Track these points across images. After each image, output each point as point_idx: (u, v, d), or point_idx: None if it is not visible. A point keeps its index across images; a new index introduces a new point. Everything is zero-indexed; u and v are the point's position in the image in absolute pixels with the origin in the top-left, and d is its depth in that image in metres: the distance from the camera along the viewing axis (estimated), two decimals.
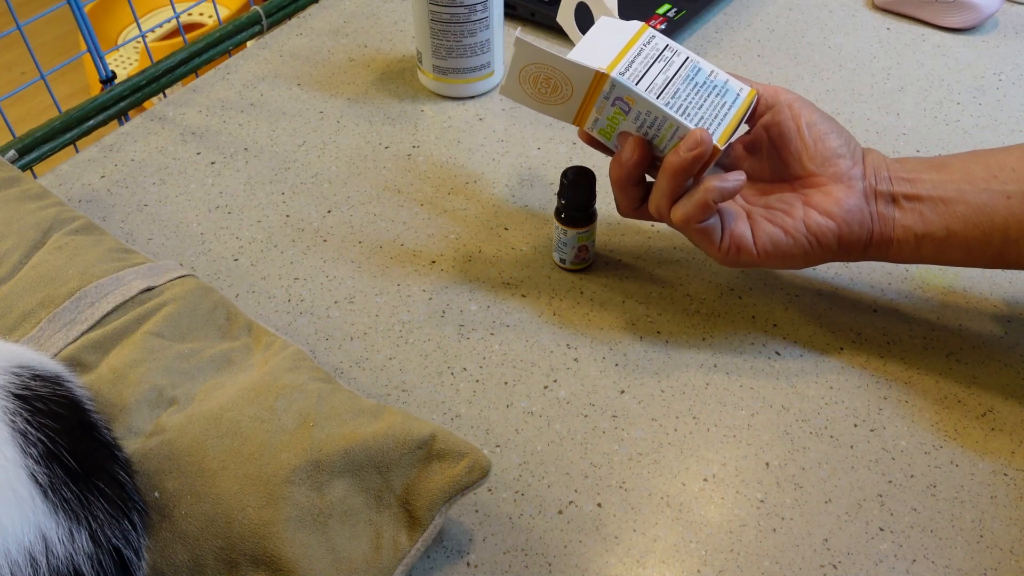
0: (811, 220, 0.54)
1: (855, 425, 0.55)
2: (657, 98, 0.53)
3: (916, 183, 0.54)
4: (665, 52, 0.56)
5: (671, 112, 0.53)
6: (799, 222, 0.55)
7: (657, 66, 0.55)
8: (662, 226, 0.67)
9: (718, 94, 0.55)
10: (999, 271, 0.63)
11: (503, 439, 0.54)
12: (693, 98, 0.54)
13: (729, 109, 0.55)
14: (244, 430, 0.46)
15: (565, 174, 0.59)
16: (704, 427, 0.55)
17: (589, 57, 0.54)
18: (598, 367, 0.58)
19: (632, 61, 0.54)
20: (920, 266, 0.63)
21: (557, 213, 0.61)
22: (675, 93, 0.54)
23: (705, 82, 0.55)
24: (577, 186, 0.59)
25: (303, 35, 0.86)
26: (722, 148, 0.53)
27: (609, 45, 0.55)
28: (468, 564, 0.49)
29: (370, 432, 0.46)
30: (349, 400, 0.49)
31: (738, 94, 0.56)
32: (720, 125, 0.54)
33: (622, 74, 0.54)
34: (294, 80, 0.81)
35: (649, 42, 0.56)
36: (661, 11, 0.84)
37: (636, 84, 0.53)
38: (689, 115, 0.53)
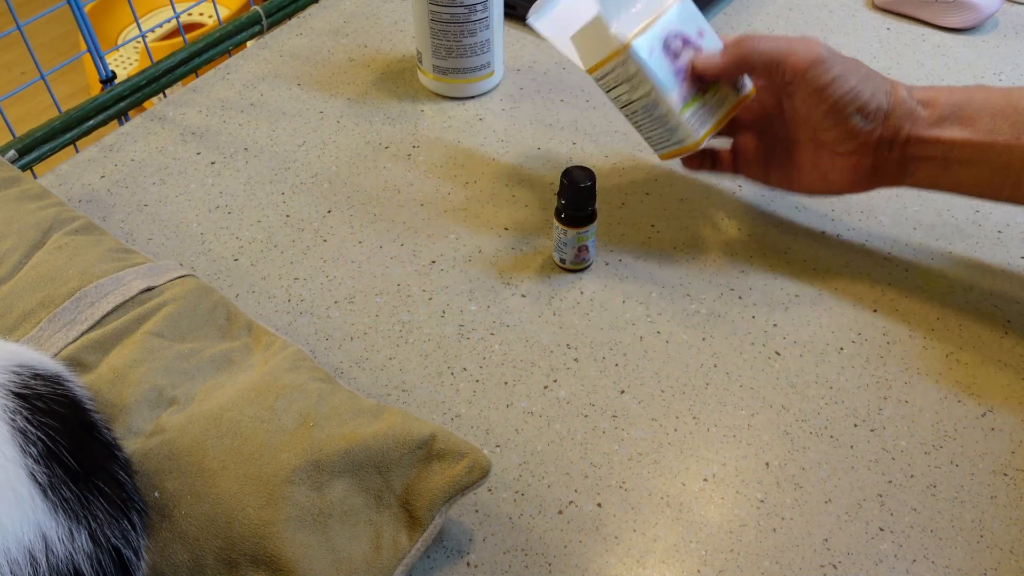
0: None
1: (855, 425, 0.55)
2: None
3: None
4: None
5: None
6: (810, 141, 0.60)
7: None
8: (662, 226, 0.67)
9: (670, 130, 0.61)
10: (999, 271, 0.63)
11: (503, 439, 0.54)
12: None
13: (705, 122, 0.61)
14: (244, 430, 0.46)
15: (565, 174, 0.59)
16: (704, 427, 0.55)
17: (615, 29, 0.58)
18: (598, 367, 0.58)
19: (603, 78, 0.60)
20: (920, 266, 0.63)
21: (557, 213, 0.61)
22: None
23: (661, 117, 0.60)
24: (577, 186, 0.59)
25: (303, 35, 0.86)
26: (702, 145, 0.60)
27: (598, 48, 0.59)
28: (468, 564, 0.49)
29: (370, 432, 0.46)
30: (349, 400, 0.49)
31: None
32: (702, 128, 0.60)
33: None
34: (294, 80, 0.81)
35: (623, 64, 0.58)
36: None
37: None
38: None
